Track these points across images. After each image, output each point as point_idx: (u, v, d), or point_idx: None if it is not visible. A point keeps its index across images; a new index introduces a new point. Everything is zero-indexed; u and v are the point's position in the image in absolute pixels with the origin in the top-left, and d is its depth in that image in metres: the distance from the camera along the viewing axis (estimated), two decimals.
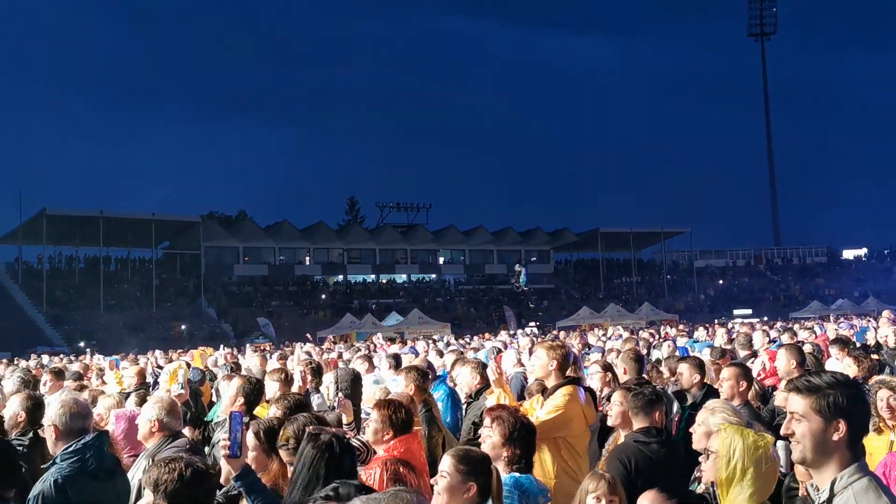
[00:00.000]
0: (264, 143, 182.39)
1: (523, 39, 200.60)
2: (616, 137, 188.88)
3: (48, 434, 3.49)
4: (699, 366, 6.22)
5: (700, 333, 18.22)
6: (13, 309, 49.49)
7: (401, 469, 3.72)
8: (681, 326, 27.08)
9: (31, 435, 4.69)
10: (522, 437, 3.63)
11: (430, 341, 20.56)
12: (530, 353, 7.60)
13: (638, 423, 4.58)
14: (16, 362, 17.67)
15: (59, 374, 8.45)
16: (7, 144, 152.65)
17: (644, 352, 11.37)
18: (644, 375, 6.83)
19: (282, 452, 3.53)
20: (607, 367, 7.15)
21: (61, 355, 24.19)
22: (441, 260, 72.52)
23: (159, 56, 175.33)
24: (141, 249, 61.23)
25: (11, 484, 3.13)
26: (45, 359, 18.67)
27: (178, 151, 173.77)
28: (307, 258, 67.34)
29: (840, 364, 7.94)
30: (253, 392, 5.40)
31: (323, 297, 62.91)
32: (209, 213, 67.04)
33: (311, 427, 3.18)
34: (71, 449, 3.41)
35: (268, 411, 5.16)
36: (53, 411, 3.53)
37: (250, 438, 3.77)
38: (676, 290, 70.91)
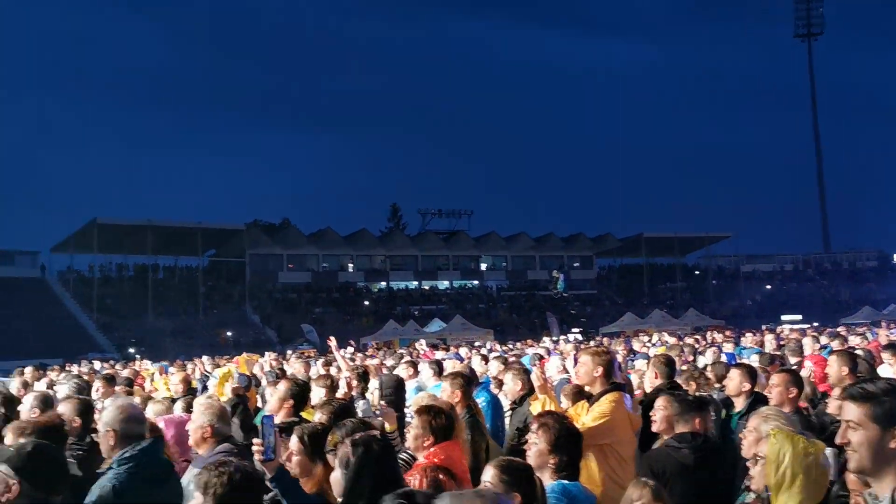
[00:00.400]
0: (308, 151, 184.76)
1: (567, 43, 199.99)
2: (660, 141, 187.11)
3: (105, 439, 3.56)
4: (750, 374, 6.04)
5: (747, 339, 17.88)
6: (65, 316, 50.72)
7: (440, 477, 3.69)
8: (727, 332, 26.64)
9: (88, 440, 4.81)
10: (569, 443, 3.59)
11: (472, 347, 20.52)
12: (575, 359, 7.56)
13: (679, 429, 4.53)
14: (67, 368, 18.09)
15: (110, 381, 8.63)
16: (58, 156, 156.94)
17: (690, 358, 11.22)
18: (676, 380, 6.77)
19: (329, 457, 3.55)
20: None
21: (111, 361, 24.70)
22: (483, 266, 72.42)
23: (205, 66, 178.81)
24: (188, 257, 62.30)
25: (58, 490, 3.20)
26: (97, 365, 19.07)
27: (224, 160, 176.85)
28: (350, 265, 67.81)
29: (892, 370, 7.74)
30: (300, 394, 5.47)
31: (366, 303, 63.26)
32: (254, 221, 67.94)
33: (358, 433, 3.21)
34: (128, 454, 3.48)
35: (314, 416, 5.21)
36: (111, 416, 3.60)
37: (294, 443, 3.80)
38: (722, 295, 69.76)
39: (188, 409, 6.51)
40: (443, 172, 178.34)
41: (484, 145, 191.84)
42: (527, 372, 6.68)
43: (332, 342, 10.15)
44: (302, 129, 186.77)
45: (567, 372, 8.74)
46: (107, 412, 3.67)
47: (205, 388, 11.37)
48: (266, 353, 21.03)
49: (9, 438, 4.11)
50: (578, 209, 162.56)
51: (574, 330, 44.28)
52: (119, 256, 60.76)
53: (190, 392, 8.94)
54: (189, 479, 4.06)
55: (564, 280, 68.61)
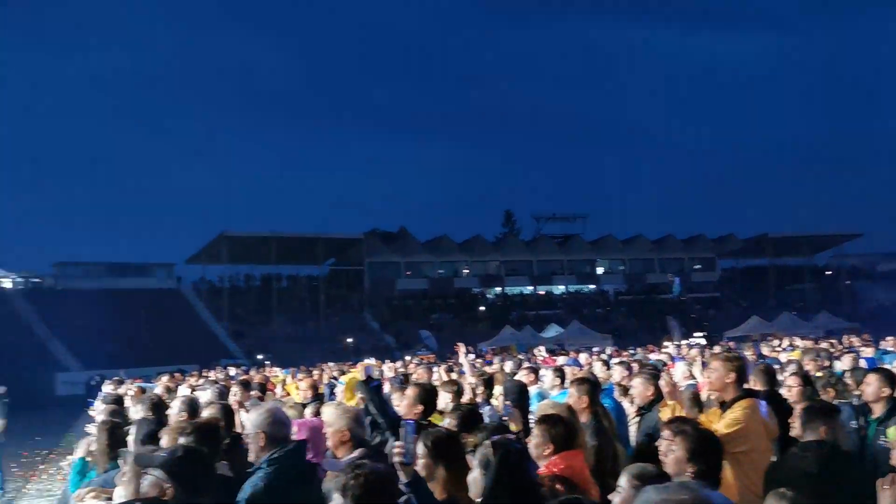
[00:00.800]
0: (422, 159, 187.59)
1: (680, 41, 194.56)
2: (783, 136, 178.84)
3: (256, 440, 3.78)
4: (889, 378, 5.77)
5: (888, 343, 16.83)
6: (199, 324, 53.53)
7: (558, 487, 3.67)
8: (864, 336, 25.17)
9: (227, 441, 5.10)
10: (709, 451, 3.49)
11: (592, 353, 20.27)
12: (704, 364, 7.38)
13: (806, 437, 4.40)
14: (204, 374, 19.09)
15: (246, 386, 9.07)
16: (190, 174, 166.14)
17: (826, 363, 10.72)
18: (776, 388, 6.54)
19: (468, 457, 3.63)
20: (807, 380, 6.85)
21: (243, 367, 25.86)
22: (599, 270, 71.40)
23: (324, 79, 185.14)
24: (309, 266, 64.49)
25: (205, 491, 3.42)
26: (233, 371, 20.04)
27: (343, 170, 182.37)
28: (465, 271, 68.35)
29: None
30: (428, 399, 5.60)
31: (481, 309, 63.58)
32: (371, 230, 69.52)
33: (498, 436, 3.28)
34: (276, 455, 3.69)
35: (442, 421, 5.32)
36: (262, 419, 3.82)
37: (420, 448, 3.91)
38: (857, 297, 65.82)
39: (317, 413, 6.77)
40: (556, 176, 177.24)
41: (598, 147, 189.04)
42: (656, 377, 6.56)
43: (461, 349, 10.32)
44: (417, 138, 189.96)
45: (693, 378, 8.52)
46: (257, 416, 3.89)
47: (332, 394, 11.77)
48: (387, 361, 21.51)
49: (168, 439, 4.42)
50: (698, 209, 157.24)
51: (696, 334, 42.97)
52: (246, 267, 63.70)
53: (317, 397, 9.24)
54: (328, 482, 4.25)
55: (679, 283, 66.69)
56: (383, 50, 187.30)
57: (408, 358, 26.05)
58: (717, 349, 17.55)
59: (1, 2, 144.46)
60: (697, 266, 71.70)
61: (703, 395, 5.93)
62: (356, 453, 4.05)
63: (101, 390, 17.67)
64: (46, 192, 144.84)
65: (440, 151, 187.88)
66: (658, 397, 6.23)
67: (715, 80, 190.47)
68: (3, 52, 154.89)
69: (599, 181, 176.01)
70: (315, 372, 16.47)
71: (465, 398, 7.10)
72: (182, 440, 4.14)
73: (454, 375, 11.52)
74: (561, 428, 4.15)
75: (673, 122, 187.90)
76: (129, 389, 10.79)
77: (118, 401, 8.43)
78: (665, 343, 28.97)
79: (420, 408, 5.56)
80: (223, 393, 7.94)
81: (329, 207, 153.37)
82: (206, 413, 5.55)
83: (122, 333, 45.26)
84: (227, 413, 5.65)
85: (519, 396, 7.30)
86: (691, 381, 8.38)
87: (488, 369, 12.53)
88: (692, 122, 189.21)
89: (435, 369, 12.61)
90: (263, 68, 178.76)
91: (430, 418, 5.60)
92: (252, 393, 9.15)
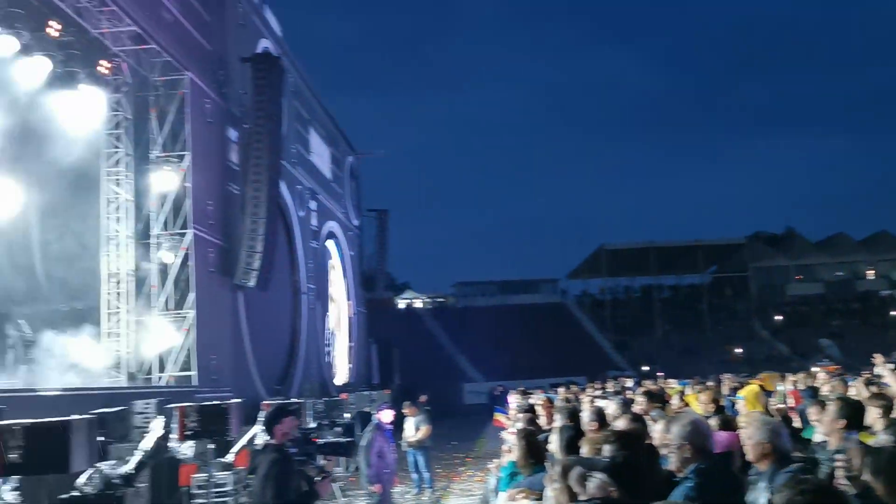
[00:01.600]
0: (809, 155, 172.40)
1: None
2: None
3: (681, 451, 3.86)
4: None
5: None
6: (584, 337, 55.41)
7: None
8: None
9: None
10: None
11: None
12: None
13: None
14: (600, 385, 19.61)
15: (651, 397, 9.20)
16: (570, 191, 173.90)
17: None
18: None
19: None
20: None
21: (634, 378, 26.06)
22: None
23: (692, 83, 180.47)
24: (690, 275, 63.10)
25: (640, 497, 3.57)
26: (629, 382, 20.34)
27: (719, 174, 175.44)
28: (870, 272, 61.29)
29: None
30: (853, 414, 5.22)
31: (893, 314, 56.39)
32: (754, 233, 66.02)
33: None
34: (703, 466, 3.78)
35: (871, 440, 4.95)
36: (687, 431, 3.92)
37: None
38: None
39: (721, 426, 6.63)
40: None
41: None
42: None
43: (879, 359, 9.35)
44: (801, 134, 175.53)
45: None
46: (681, 427, 3.98)
47: (732, 407, 11.37)
48: (787, 374, 20.05)
49: (589, 447, 4.72)
50: None
51: None
52: (625, 279, 64.42)
53: (718, 410, 9.00)
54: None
55: None
56: (754, 44, 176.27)
57: (814, 369, 24.09)
58: None
59: (378, 54, 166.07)
60: None
61: None
62: (793, 467, 3.95)
63: (505, 400, 19.16)
64: (446, 220, 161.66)
65: (828, 142, 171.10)
66: None
67: None
68: (400, 95, 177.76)
69: None
70: (710, 383, 16.01)
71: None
72: (607, 448, 4.37)
73: (874, 388, 10.42)
74: None
75: None
76: (537, 400, 11.57)
77: (531, 410, 9.11)
78: None
79: (842, 423, 5.20)
80: (628, 403, 8.15)
81: (707, 213, 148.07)
82: (619, 423, 5.76)
83: (514, 346, 48.60)
84: (643, 424, 5.82)
85: None
86: None
87: None
88: None
89: (851, 382, 11.52)
90: (630, 81, 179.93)
91: (857, 437, 5.21)
92: (655, 404, 9.23)
